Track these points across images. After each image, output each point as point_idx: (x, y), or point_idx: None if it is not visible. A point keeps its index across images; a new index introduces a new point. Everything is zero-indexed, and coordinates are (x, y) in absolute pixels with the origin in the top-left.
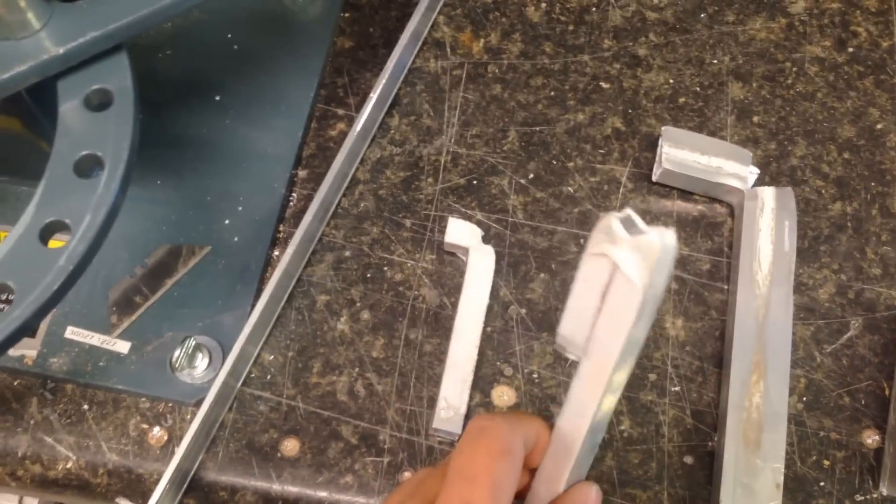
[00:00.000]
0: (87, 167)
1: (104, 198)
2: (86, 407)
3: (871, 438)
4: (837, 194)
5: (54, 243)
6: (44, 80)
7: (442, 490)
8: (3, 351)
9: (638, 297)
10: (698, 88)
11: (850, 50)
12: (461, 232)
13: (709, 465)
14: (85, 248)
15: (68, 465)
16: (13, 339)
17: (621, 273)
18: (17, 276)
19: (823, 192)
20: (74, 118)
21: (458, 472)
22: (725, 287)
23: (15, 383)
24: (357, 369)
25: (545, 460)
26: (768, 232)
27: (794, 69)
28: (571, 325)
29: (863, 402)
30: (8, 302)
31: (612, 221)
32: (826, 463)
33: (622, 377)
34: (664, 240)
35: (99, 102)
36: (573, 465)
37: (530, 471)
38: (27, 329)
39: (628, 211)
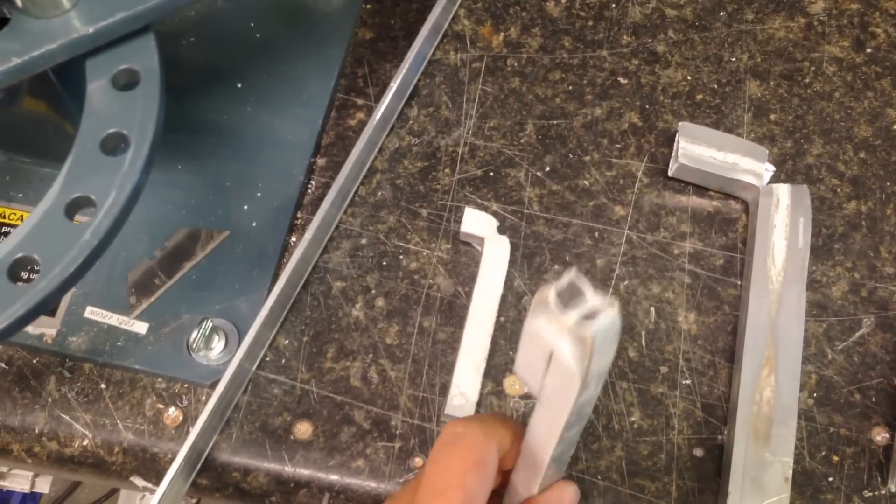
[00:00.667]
0: (113, 145)
1: (129, 175)
2: (103, 386)
3: (880, 435)
4: (852, 193)
5: (78, 220)
6: (72, 60)
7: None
8: (26, 323)
9: (576, 385)
10: (716, 85)
11: (869, 51)
12: (477, 222)
13: (718, 458)
14: (109, 224)
15: (84, 443)
16: (36, 311)
17: (559, 359)
18: (42, 250)
19: (839, 190)
20: (102, 97)
21: (429, 484)
22: (738, 283)
23: (34, 361)
24: (371, 355)
25: (521, 460)
26: (783, 229)
27: (812, 68)
28: (524, 369)
29: (873, 399)
30: (34, 273)
31: (550, 295)
32: (835, 458)
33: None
34: (602, 324)
35: (126, 82)
36: (548, 463)
37: (504, 472)
38: (50, 302)
39: (572, 276)
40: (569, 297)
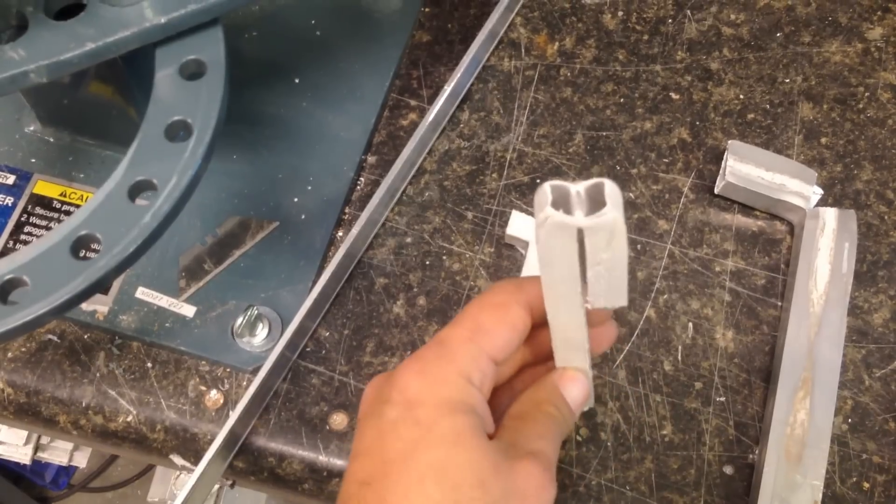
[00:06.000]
0: (177, 132)
1: (190, 162)
2: (149, 365)
3: None
4: None
5: (139, 202)
6: (141, 48)
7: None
8: (84, 298)
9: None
10: (768, 106)
11: None
12: (524, 226)
13: (748, 477)
14: (169, 208)
15: (128, 419)
16: (95, 287)
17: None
18: (105, 229)
19: (886, 217)
20: (168, 85)
21: (450, 322)
22: (779, 304)
23: (85, 336)
24: (409, 352)
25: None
26: (827, 252)
27: (867, 94)
28: None
29: None
30: (93, 252)
31: (545, 188)
32: (866, 485)
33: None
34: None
35: (192, 72)
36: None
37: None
38: (108, 280)
39: (602, 183)
40: (589, 198)
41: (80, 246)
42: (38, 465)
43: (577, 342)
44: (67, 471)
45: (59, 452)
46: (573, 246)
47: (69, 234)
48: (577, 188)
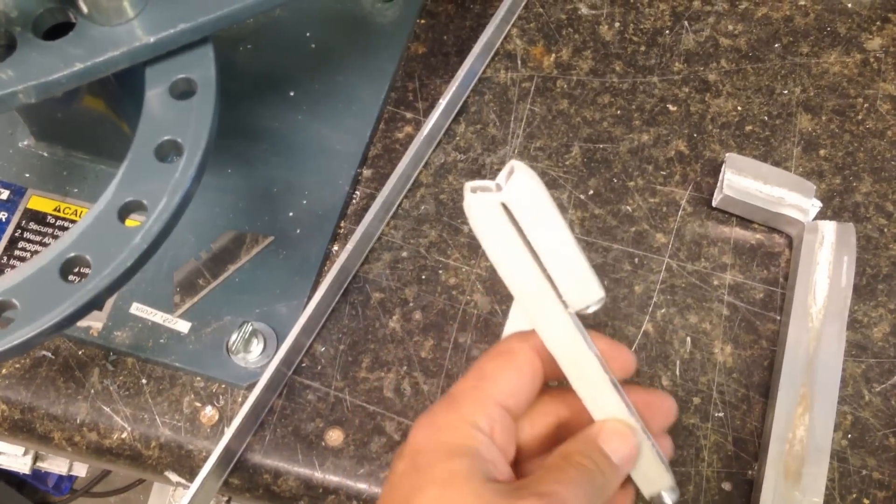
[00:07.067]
0: (167, 152)
1: (181, 182)
2: (144, 381)
3: None
4: None
5: (129, 223)
6: (133, 66)
7: None
8: (75, 320)
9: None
10: (766, 117)
11: None
12: None
13: (746, 494)
14: (159, 228)
15: (123, 436)
16: (85, 309)
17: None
18: (94, 250)
19: (886, 230)
20: (159, 104)
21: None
22: (778, 318)
23: (80, 353)
24: (405, 367)
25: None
26: (826, 266)
27: (866, 105)
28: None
29: None
30: (82, 275)
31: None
32: (866, 502)
33: None
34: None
35: (183, 91)
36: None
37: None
38: (98, 302)
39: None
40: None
41: (70, 268)
42: (40, 471)
43: (592, 372)
44: (70, 478)
45: (59, 462)
46: (509, 228)
47: (58, 256)
48: (497, 181)
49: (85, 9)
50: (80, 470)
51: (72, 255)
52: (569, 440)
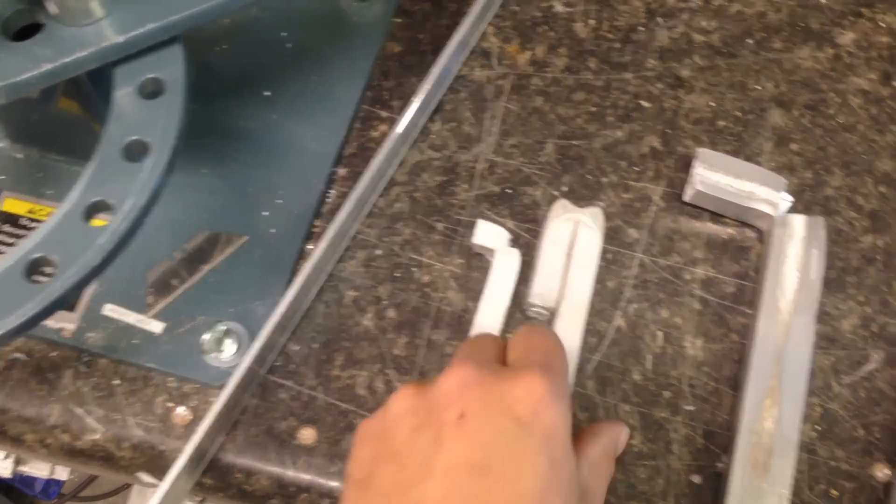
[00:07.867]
0: (135, 152)
1: (148, 182)
2: (116, 382)
3: (881, 472)
4: (870, 227)
5: (96, 222)
6: (104, 67)
7: None
8: (39, 321)
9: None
10: (739, 113)
11: (895, 84)
12: (489, 234)
13: (715, 486)
14: (126, 228)
15: (95, 437)
16: (50, 310)
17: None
18: (59, 250)
19: (856, 223)
20: (127, 104)
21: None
22: (749, 311)
23: (52, 354)
24: (378, 365)
25: None
26: (796, 259)
27: (838, 100)
28: (544, 282)
29: (877, 435)
30: (48, 275)
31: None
32: (834, 493)
33: None
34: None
35: (151, 91)
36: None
37: None
38: (63, 302)
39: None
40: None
41: (35, 269)
42: (26, 476)
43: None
44: (57, 482)
45: (41, 465)
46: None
47: (22, 257)
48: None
49: (53, 9)
50: (62, 474)
51: (37, 255)
52: None
